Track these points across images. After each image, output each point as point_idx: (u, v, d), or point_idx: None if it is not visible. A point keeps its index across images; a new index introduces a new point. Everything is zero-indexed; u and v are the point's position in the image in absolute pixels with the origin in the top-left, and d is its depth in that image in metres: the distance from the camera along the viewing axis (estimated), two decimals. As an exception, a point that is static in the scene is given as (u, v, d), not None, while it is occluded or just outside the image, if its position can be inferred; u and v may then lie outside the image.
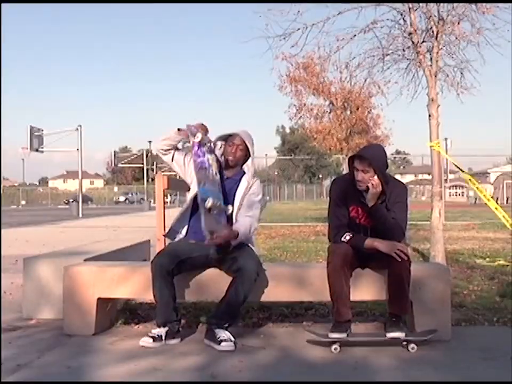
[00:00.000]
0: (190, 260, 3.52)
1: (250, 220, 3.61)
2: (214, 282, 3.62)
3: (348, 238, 3.45)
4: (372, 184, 3.41)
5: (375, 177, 3.40)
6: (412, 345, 3.30)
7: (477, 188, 6.44)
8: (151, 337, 3.41)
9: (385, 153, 3.60)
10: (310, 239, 10.73)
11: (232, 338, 3.33)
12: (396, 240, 3.44)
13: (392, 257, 3.35)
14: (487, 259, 7.31)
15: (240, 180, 3.68)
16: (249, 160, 3.72)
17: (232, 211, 3.59)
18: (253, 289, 3.45)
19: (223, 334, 3.34)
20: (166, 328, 3.46)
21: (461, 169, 6.90)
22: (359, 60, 6.97)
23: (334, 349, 3.28)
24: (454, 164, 6.49)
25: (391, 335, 3.35)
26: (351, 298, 3.46)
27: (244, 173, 3.71)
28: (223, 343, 3.28)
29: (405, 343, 3.33)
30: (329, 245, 3.60)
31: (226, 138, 3.71)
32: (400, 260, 3.33)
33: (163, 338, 3.44)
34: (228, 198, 3.62)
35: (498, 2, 6.21)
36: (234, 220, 3.59)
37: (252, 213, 3.65)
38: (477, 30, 6.35)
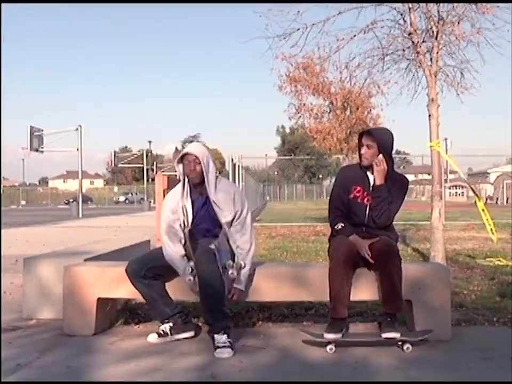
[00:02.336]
0: (165, 267, 3.52)
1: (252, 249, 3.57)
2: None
3: (339, 227, 3.61)
4: (376, 163, 3.55)
5: (380, 156, 3.55)
6: (407, 345, 3.30)
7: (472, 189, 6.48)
8: (157, 333, 3.54)
9: (392, 137, 3.71)
10: (310, 239, 10.73)
11: (228, 343, 3.29)
12: (381, 225, 3.57)
13: (382, 257, 3.40)
14: (487, 259, 7.31)
15: (206, 199, 3.55)
16: (208, 175, 3.52)
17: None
18: (217, 283, 3.33)
19: (220, 339, 3.32)
20: (170, 324, 3.55)
21: (458, 170, 6.92)
22: (359, 60, 6.98)
23: (329, 349, 3.28)
24: (452, 164, 6.49)
25: (386, 335, 3.35)
26: (351, 298, 3.47)
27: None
28: (218, 350, 3.26)
29: (400, 343, 3.33)
30: (332, 240, 3.64)
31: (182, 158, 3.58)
32: (372, 262, 3.43)
33: (168, 334, 3.54)
34: (209, 220, 3.55)
35: (498, 2, 6.21)
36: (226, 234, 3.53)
37: (247, 236, 3.56)
38: (477, 30, 6.35)
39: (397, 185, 3.65)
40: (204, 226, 3.57)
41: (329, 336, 3.32)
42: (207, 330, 3.47)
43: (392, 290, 3.40)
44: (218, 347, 3.27)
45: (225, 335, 3.33)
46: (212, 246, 3.43)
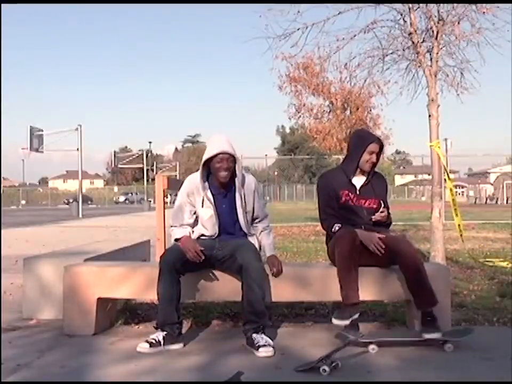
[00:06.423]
0: (199, 265, 3.49)
1: (269, 228, 3.80)
2: (214, 283, 3.62)
3: (337, 228, 3.62)
4: (381, 216, 3.65)
5: (382, 210, 3.67)
6: (449, 345, 3.28)
7: (453, 199, 6.48)
8: (149, 342, 3.33)
9: None
10: (310, 239, 10.74)
11: (271, 342, 3.29)
12: (385, 226, 3.69)
13: (399, 251, 3.42)
14: (487, 259, 7.31)
15: (234, 193, 3.60)
16: (238, 172, 3.57)
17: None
18: (263, 278, 3.43)
19: (260, 338, 3.30)
20: (165, 332, 3.38)
21: (448, 176, 6.91)
22: (359, 60, 6.96)
23: (372, 349, 3.26)
24: (444, 167, 6.46)
25: (428, 336, 3.32)
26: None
27: (234, 185, 3.59)
28: (261, 349, 3.23)
29: (440, 342, 3.32)
30: (334, 237, 3.63)
31: (208, 160, 3.53)
32: (380, 254, 3.46)
33: (161, 343, 3.34)
34: (229, 215, 3.61)
35: (498, 2, 6.20)
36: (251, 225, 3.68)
37: (267, 220, 3.79)
38: (477, 30, 6.34)
39: (384, 185, 3.83)
40: (227, 222, 3.62)
41: (337, 322, 3.35)
42: (244, 331, 3.39)
43: (420, 283, 3.39)
44: (259, 346, 3.24)
45: (263, 334, 3.33)
46: (256, 244, 3.61)
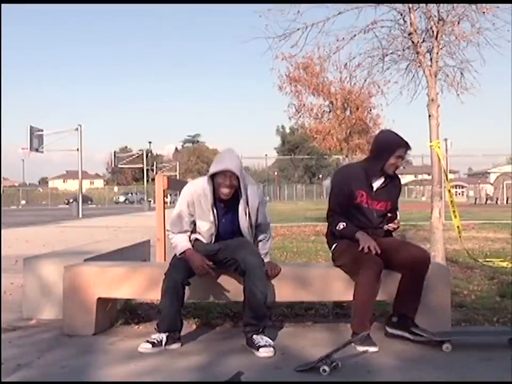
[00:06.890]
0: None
1: (269, 237, 3.78)
2: (214, 283, 3.62)
3: (341, 227, 3.60)
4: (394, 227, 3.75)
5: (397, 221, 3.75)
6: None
7: (451, 201, 6.48)
8: (151, 342, 3.34)
9: None
10: (310, 239, 10.73)
11: (271, 342, 3.30)
12: (393, 219, 3.74)
13: (411, 258, 3.44)
14: (487, 259, 7.30)
15: (237, 208, 3.53)
16: (242, 191, 3.49)
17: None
18: (266, 283, 3.43)
19: (261, 339, 3.31)
20: (166, 334, 3.39)
21: (446, 177, 6.90)
22: (359, 60, 6.95)
23: (446, 348, 3.26)
24: (443, 169, 6.45)
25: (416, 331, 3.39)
26: (350, 298, 3.49)
27: (238, 199, 3.52)
28: (261, 349, 3.24)
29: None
30: (362, 258, 3.48)
31: (212, 176, 3.48)
32: (374, 252, 3.43)
33: (163, 343, 3.36)
34: (229, 229, 3.58)
35: (498, 2, 6.20)
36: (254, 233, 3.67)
37: (268, 228, 3.76)
38: (477, 30, 6.34)
39: (399, 188, 3.83)
40: (226, 234, 3.60)
41: (376, 349, 3.29)
42: (244, 332, 3.40)
43: (418, 291, 3.47)
44: (260, 347, 3.25)
45: (264, 335, 3.34)
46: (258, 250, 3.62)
